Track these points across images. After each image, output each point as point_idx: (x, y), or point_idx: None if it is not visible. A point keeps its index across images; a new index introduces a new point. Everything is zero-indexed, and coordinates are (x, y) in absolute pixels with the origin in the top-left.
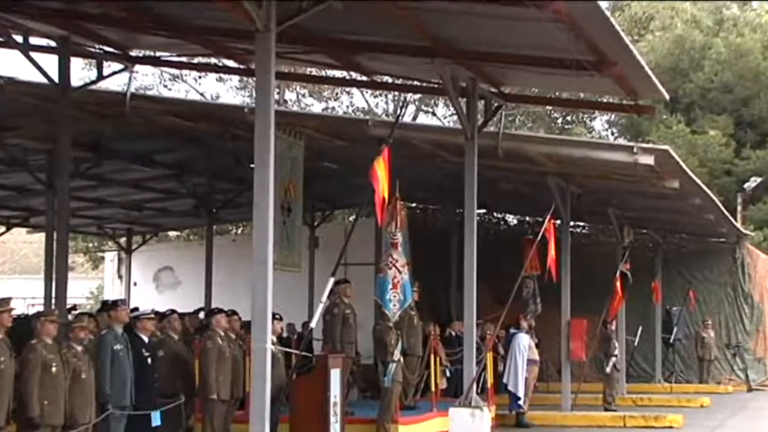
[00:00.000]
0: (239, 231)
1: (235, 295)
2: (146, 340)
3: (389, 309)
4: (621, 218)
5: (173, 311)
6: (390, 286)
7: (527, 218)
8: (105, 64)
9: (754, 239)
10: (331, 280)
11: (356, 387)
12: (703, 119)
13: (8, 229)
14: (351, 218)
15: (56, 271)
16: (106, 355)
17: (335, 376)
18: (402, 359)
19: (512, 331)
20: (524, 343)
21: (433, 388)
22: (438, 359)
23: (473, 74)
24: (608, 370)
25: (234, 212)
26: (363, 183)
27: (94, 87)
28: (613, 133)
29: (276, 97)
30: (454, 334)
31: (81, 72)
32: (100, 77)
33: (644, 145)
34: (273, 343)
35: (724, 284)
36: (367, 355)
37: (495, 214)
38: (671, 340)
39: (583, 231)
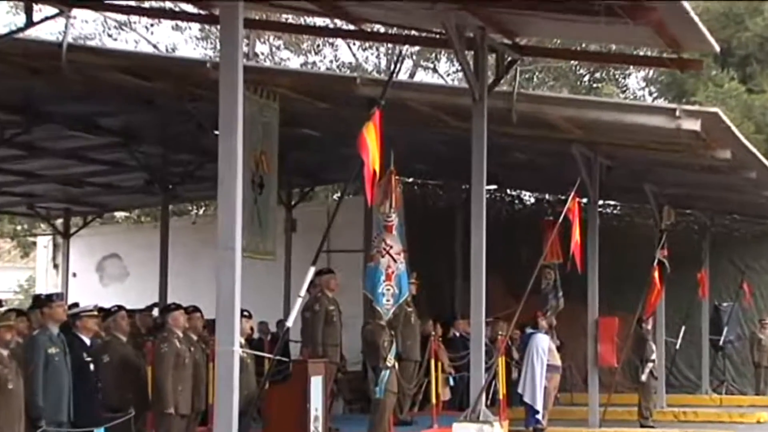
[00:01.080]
0: (201, 211)
1: (196, 288)
2: (88, 342)
3: (381, 305)
4: (660, 196)
5: (121, 308)
6: (382, 277)
7: (547, 196)
8: (35, 7)
9: None
10: (312, 270)
11: (341, 398)
12: (761, 75)
13: None
14: (335, 196)
15: None
16: (39, 360)
17: (316, 385)
18: (396, 365)
19: (529, 331)
20: (543, 346)
21: (433, 400)
22: (440, 365)
23: (482, 22)
24: (644, 378)
25: (194, 189)
26: (350, 154)
27: (22, 36)
28: (651, 93)
29: (245, 49)
30: (458, 334)
31: (6, 17)
32: (30, 24)
33: (689, 107)
34: (241, 346)
35: None
36: (355, 360)
37: (508, 190)
38: (721, 343)
39: (615, 211)
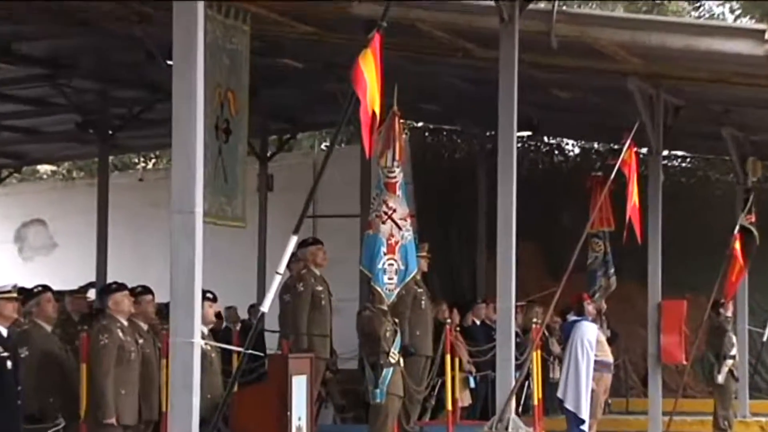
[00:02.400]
0: (150, 165)
1: (145, 263)
2: (4, 332)
3: (382, 285)
4: (743, 144)
5: (46, 288)
6: (383, 249)
7: (596, 145)
8: None
9: None
10: (293, 241)
11: (332, 403)
12: None
13: None
14: (323, 146)
15: None
16: None
17: (299, 386)
18: (402, 362)
19: (572, 318)
20: (590, 337)
21: (449, 406)
22: (457, 362)
23: None
24: (721, 379)
25: (141, 136)
26: (342, 91)
27: None
28: (732, 11)
29: None
30: (481, 323)
31: None
32: None
33: None
34: (204, 337)
35: None
36: (349, 356)
37: (546, 138)
38: None
39: (684, 164)
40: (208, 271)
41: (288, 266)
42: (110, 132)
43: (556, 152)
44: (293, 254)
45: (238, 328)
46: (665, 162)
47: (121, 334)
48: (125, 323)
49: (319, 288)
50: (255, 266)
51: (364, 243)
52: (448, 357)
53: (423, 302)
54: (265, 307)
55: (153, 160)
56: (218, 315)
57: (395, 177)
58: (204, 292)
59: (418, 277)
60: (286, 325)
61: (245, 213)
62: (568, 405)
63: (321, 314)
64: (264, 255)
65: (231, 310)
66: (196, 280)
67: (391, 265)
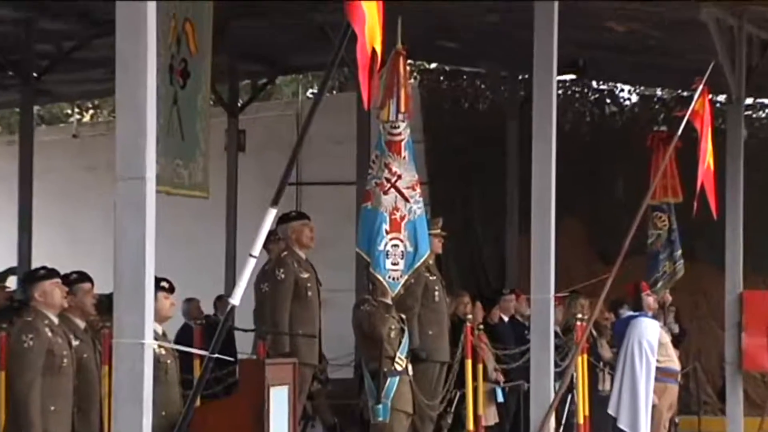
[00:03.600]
0: (86, 117)
1: (81, 244)
2: None
3: (384, 272)
4: None
5: None
6: (385, 226)
7: (659, 92)
8: None
9: None
10: (272, 215)
11: (320, 422)
12: None
13: None
14: (309, 93)
15: None
16: None
17: (279, 400)
18: (411, 369)
19: (627, 313)
20: (650, 338)
21: (470, 425)
22: (480, 369)
23: None
24: None
25: (75, 80)
26: (333, 23)
27: None
28: None
29: None
30: (509, 319)
31: None
32: None
33: None
34: (157, 338)
35: None
36: (343, 361)
37: (596, 83)
38: None
39: None
40: (163, 253)
41: (265, 247)
42: (35, 75)
43: (608, 101)
44: (271, 232)
45: (200, 325)
46: (748, 113)
47: (50, 333)
48: (55, 320)
49: (305, 275)
50: (222, 247)
51: (361, 218)
52: (469, 363)
53: (437, 294)
54: (235, 300)
55: (90, 112)
56: (189, 308)
57: (400, 134)
58: (157, 281)
59: (431, 262)
60: (262, 323)
61: (208, 180)
62: (623, 424)
63: (307, 309)
64: (234, 233)
65: (192, 304)
66: (147, 265)
67: (396, 246)
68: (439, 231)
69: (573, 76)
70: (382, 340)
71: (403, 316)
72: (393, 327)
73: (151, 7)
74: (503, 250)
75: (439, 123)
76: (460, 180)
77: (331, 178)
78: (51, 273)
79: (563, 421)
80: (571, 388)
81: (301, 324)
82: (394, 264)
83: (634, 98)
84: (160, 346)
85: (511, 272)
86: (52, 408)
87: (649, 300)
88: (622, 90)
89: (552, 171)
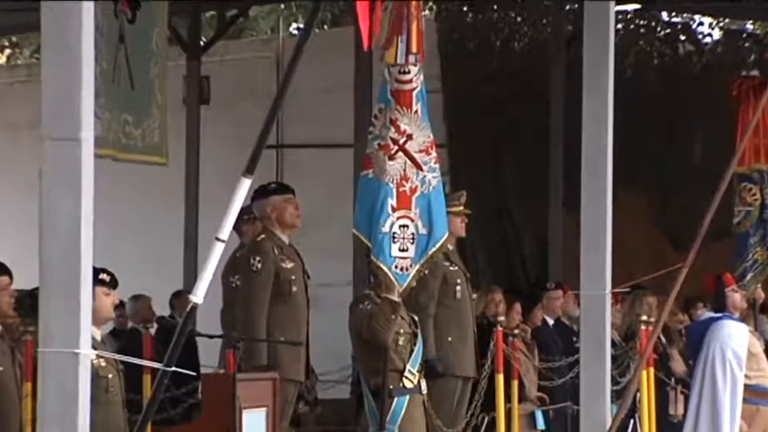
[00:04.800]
0: (1, 59)
1: None
2: None
3: (389, 261)
4: None
5: None
6: (391, 201)
7: (748, 25)
8: None
9: None
10: (245, 186)
11: None
12: None
13: None
14: (293, 29)
15: None
16: None
17: (255, 425)
18: (425, 386)
19: (706, 315)
20: (736, 347)
21: None
22: (515, 386)
23: None
24: None
25: None
26: None
27: None
28: None
29: None
30: (554, 322)
31: None
32: None
33: None
34: (96, 347)
35: None
36: (337, 377)
37: (665, 15)
38: None
39: None
40: (104, 237)
41: (236, 229)
42: None
43: (682, 39)
44: (245, 209)
45: (152, 330)
46: None
47: None
48: None
49: (288, 265)
50: (181, 229)
51: (359, 191)
52: (500, 378)
53: (459, 289)
54: (197, 297)
55: (6, 52)
56: (120, 309)
57: (411, 81)
58: (96, 272)
59: (451, 248)
60: (232, 327)
61: (167, 141)
62: None
63: (291, 308)
64: (195, 211)
65: (141, 303)
66: (83, 253)
67: (405, 227)
68: (461, 208)
69: (637, 6)
70: (387, 349)
71: (415, 318)
72: (401, 332)
73: None
74: (545, 233)
75: (462, 67)
76: (488, 142)
77: (322, 140)
78: None
79: None
80: (633, 411)
81: (283, 328)
82: (402, 250)
83: (717, 34)
84: (99, 357)
85: (555, 261)
86: None
87: (735, 297)
88: (701, 24)
89: (608, 131)
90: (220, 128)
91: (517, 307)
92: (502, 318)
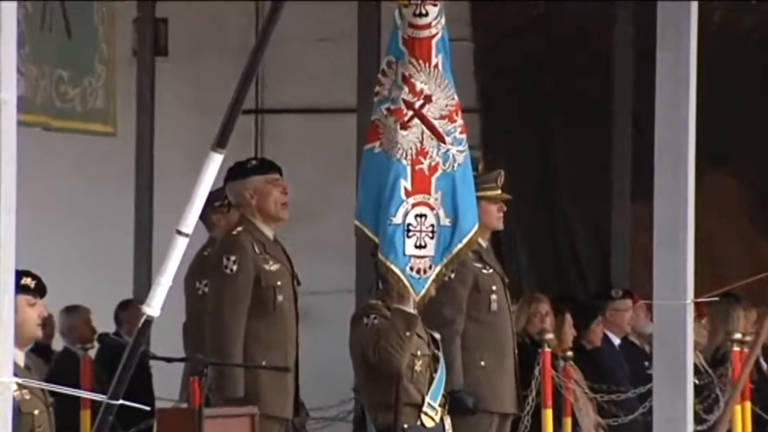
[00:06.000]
0: None
1: None
2: None
3: (402, 261)
4: None
5: None
6: (405, 183)
7: None
8: None
9: None
10: (215, 162)
11: None
12: None
13: None
14: None
15: None
16: None
17: None
18: (450, 425)
19: None
20: None
21: None
22: (570, 424)
23: None
24: None
25: None
26: None
27: None
28: None
29: None
30: (621, 341)
31: None
32: None
33: None
34: (19, 373)
35: None
36: (335, 411)
37: None
38: None
39: None
40: (29, 229)
41: (204, 220)
42: None
43: None
44: (215, 194)
45: (92, 352)
46: None
47: None
48: None
49: (272, 266)
50: (131, 218)
51: (363, 171)
52: (548, 414)
53: (494, 298)
54: (153, 308)
55: None
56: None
57: (429, 27)
58: (17, 276)
59: (483, 244)
60: (198, 347)
61: (113, 105)
62: None
63: (275, 324)
64: (149, 194)
65: (76, 316)
66: (2, 251)
67: (423, 217)
68: (497, 192)
69: None
70: (400, 377)
71: (437, 336)
72: (419, 354)
73: None
74: (607, 226)
75: (498, 10)
76: (532, 107)
77: (314, 103)
78: None
79: None
80: None
81: (266, 349)
82: (419, 247)
83: None
84: (22, 387)
85: (620, 262)
86: None
87: None
88: None
89: (690, 95)
90: (181, 88)
91: (570, 321)
92: (550, 336)
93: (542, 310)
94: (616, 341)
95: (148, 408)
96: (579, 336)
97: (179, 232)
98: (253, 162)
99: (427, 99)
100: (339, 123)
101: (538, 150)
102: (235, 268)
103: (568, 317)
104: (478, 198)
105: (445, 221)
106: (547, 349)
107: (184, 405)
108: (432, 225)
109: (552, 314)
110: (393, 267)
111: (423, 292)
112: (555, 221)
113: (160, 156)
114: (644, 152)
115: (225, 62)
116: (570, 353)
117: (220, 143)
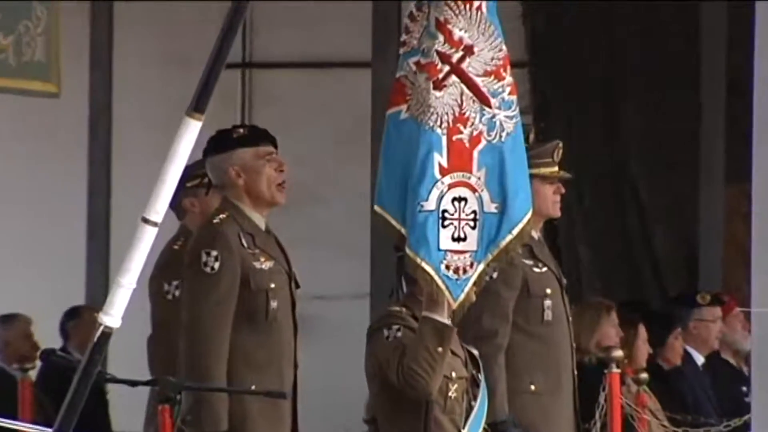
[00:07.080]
0: None
1: None
2: None
3: (435, 257)
4: None
5: None
6: (438, 156)
7: None
8: None
9: None
10: (190, 131)
11: None
12: None
13: None
14: None
15: None
16: None
17: None
18: None
19: None
20: None
21: None
22: None
23: None
24: None
25: None
26: None
27: None
28: None
29: None
30: (707, 358)
31: None
32: None
33: None
34: None
35: None
36: None
37: None
38: None
39: None
40: None
41: (173, 205)
42: None
43: None
44: (190, 170)
45: (32, 373)
46: None
47: None
48: None
49: (264, 264)
50: (83, 205)
51: (384, 141)
52: None
53: (548, 305)
54: (112, 317)
55: None
56: None
57: None
58: None
59: (536, 236)
60: (168, 366)
61: (57, 58)
62: None
63: (268, 337)
64: (106, 173)
65: (13, 327)
66: None
67: (462, 201)
68: (554, 169)
69: None
70: (429, 405)
71: (475, 353)
72: (453, 376)
73: None
74: (693, 215)
75: None
76: (599, 63)
77: (317, 56)
78: None
79: None
80: None
81: (256, 369)
82: (457, 239)
83: None
84: None
85: (709, 261)
86: None
87: None
88: None
89: None
90: (145, 36)
91: (644, 334)
92: (619, 353)
93: (609, 324)
94: (700, 360)
95: None
96: (654, 353)
97: (146, 221)
98: (240, 131)
99: (468, 50)
100: (349, 81)
101: (605, 116)
102: (216, 266)
103: (642, 330)
104: (531, 176)
105: (491, 207)
106: (615, 370)
107: None
108: (474, 212)
109: (623, 324)
110: (424, 265)
111: (462, 297)
112: (626, 207)
113: (119, 123)
114: (740, 123)
115: (203, 3)
116: (644, 375)
117: (197, 107)
